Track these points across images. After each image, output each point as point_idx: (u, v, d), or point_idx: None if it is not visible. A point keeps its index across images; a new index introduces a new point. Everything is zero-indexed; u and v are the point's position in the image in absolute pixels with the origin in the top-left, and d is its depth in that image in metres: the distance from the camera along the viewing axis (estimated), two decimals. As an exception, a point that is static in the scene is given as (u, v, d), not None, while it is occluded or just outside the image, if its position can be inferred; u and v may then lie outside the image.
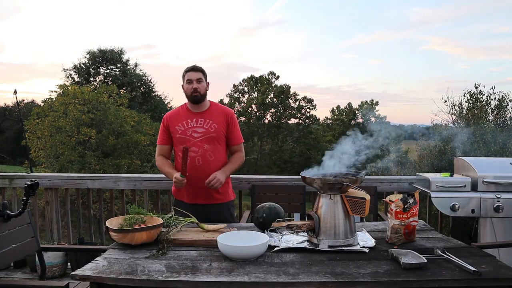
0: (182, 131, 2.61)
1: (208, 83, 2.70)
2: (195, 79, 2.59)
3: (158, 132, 2.78)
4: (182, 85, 2.65)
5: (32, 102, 34.63)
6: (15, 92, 4.07)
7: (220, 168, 2.59)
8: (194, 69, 2.62)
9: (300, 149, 30.31)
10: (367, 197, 1.85)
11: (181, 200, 2.67)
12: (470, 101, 10.61)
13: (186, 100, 2.70)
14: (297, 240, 1.98)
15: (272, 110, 31.60)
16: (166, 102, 27.46)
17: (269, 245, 1.86)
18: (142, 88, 26.19)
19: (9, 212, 2.09)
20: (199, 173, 2.54)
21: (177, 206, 2.57)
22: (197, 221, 2.18)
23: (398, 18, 58.73)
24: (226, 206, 2.70)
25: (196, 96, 2.59)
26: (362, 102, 34.57)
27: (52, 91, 19.22)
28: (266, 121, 31.02)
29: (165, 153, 2.75)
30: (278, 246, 1.89)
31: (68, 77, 24.99)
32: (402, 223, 1.97)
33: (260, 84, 31.80)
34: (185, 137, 2.59)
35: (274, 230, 1.99)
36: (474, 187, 2.95)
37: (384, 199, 2.22)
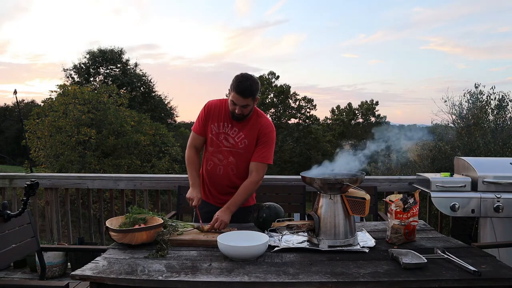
0: (215, 133, 2.42)
1: (257, 98, 2.37)
2: (240, 105, 2.26)
3: (196, 120, 2.49)
4: (229, 90, 2.32)
5: (32, 102, 34.68)
6: (15, 92, 4.06)
7: (239, 182, 2.39)
8: (244, 94, 2.22)
9: (300, 149, 30.29)
10: (367, 197, 1.85)
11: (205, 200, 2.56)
12: (470, 101, 10.61)
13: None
14: (297, 240, 1.98)
15: (272, 110, 31.60)
16: (166, 102, 27.48)
17: (269, 245, 1.86)
18: (142, 88, 26.22)
19: (9, 212, 2.09)
20: (218, 182, 2.47)
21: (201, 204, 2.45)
22: (195, 227, 2.18)
23: (398, 18, 58.78)
24: (244, 211, 2.50)
25: (237, 118, 2.34)
26: (362, 102, 34.54)
27: (52, 91, 19.23)
28: (266, 121, 31.00)
29: (199, 145, 2.50)
30: (278, 246, 1.89)
31: (68, 77, 25.07)
32: (402, 223, 1.97)
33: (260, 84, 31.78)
34: (216, 140, 2.42)
35: (274, 230, 1.99)
36: (474, 187, 2.95)
37: (384, 199, 2.22)
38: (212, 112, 2.44)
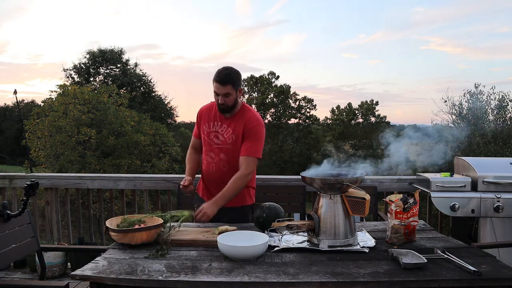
0: (206, 133, 2.53)
1: (241, 89, 2.46)
2: (222, 93, 2.35)
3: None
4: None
5: (32, 102, 34.70)
6: (15, 92, 4.07)
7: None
8: (222, 82, 2.33)
9: (300, 149, 30.32)
10: (367, 197, 1.85)
11: (200, 196, 2.63)
12: (470, 101, 10.61)
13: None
14: (297, 240, 1.98)
15: (272, 110, 31.63)
16: (166, 102, 27.48)
17: (269, 245, 1.86)
18: (142, 88, 26.22)
19: (9, 212, 2.09)
20: (214, 180, 2.51)
21: (198, 202, 2.56)
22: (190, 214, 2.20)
23: (398, 18, 58.80)
24: (240, 211, 2.51)
25: (223, 109, 2.42)
26: (362, 102, 34.53)
27: (52, 91, 19.24)
28: (266, 121, 31.03)
29: (197, 146, 2.67)
30: (278, 246, 1.89)
31: (68, 77, 25.08)
32: (402, 223, 1.97)
33: (260, 84, 31.82)
34: (207, 139, 2.52)
35: (274, 230, 1.99)
36: (474, 187, 2.95)
37: (384, 199, 2.22)
38: (204, 114, 2.58)
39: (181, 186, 2.48)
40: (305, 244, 1.92)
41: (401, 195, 2.04)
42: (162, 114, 26.56)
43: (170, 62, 60.37)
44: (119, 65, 25.36)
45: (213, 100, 2.50)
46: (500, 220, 2.87)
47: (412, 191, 2.15)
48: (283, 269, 1.64)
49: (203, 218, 2.25)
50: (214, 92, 2.39)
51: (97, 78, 25.10)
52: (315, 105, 32.50)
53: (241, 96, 2.49)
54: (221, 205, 2.33)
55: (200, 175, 2.67)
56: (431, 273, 1.60)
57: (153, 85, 26.75)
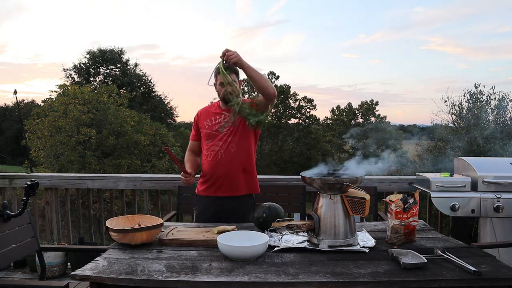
0: (209, 126, 2.60)
1: (240, 81, 2.63)
2: (228, 82, 2.49)
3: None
4: (214, 84, 2.57)
5: (32, 102, 34.70)
6: (15, 92, 4.06)
7: (243, 160, 2.55)
8: (229, 70, 2.51)
9: (300, 149, 30.29)
10: (367, 197, 1.85)
11: (201, 196, 2.63)
12: (470, 101, 10.60)
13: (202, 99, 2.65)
14: (297, 240, 1.98)
15: (272, 110, 31.57)
16: (166, 102, 27.46)
17: (269, 245, 1.86)
18: (142, 88, 26.21)
19: (9, 212, 2.09)
20: (221, 166, 2.53)
21: (198, 203, 2.63)
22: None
23: (398, 18, 58.82)
24: (247, 199, 2.61)
25: (229, 99, 2.52)
26: (362, 102, 34.51)
27: (52, 91, 19.24)
28: (266, 121, 30.94)
29: (195, 149, 2.75)
30: (278, 246, 1.89)
31: (68, 77, 25.06)
32: (402, 223, 1.97)
33: (260, 84, 31.75)
34: (211, 132, 2.58)
35: (274, 230, 1.99)
36: (474, 187, 2.95)
37: (384, 199, 2.22)
38: (203, 114, 2.69)
39: (182, 175, 2.50)
40: (305, 244, 1.92)
41: (401, 195, 2.04)
42: (162, 114, 26.55)
43: (170, 62, 60.42)
44: (119, 65, 25.35)
45: (212, 100, 2.56)
46: (500, 220, 2.87)
47: (412, 191, 2.15)
48: (283, 269, 1.64)
49: (232, 55, 2.33)
50: (220, 83, 2.50)
51: (97, 78, 25.09)
52: (315, 105, 32.49)
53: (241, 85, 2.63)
54: (245, 65, 2.39)
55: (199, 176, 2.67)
56: (431, 273, 1.60)
57: (153, 85, 26.75)
